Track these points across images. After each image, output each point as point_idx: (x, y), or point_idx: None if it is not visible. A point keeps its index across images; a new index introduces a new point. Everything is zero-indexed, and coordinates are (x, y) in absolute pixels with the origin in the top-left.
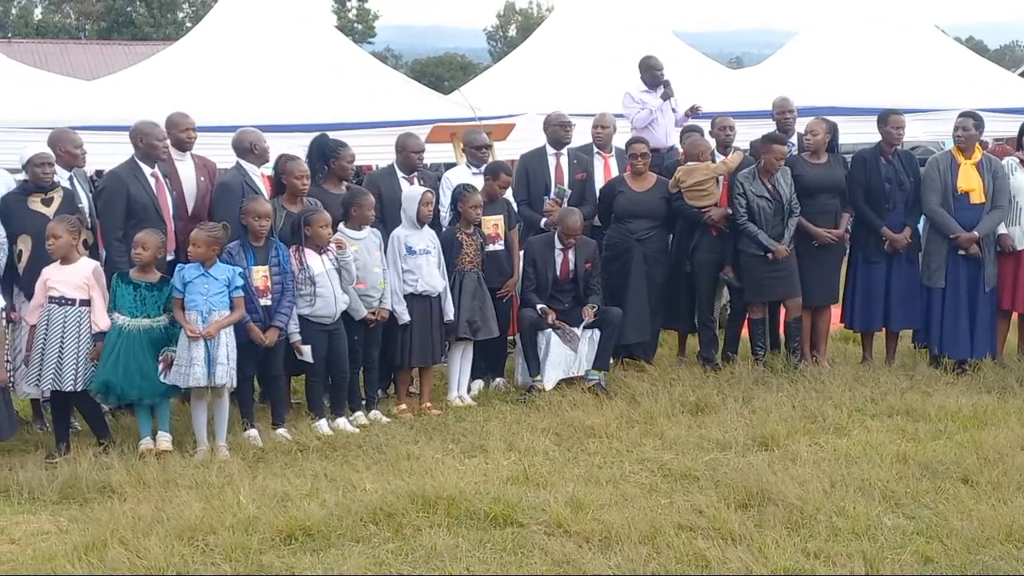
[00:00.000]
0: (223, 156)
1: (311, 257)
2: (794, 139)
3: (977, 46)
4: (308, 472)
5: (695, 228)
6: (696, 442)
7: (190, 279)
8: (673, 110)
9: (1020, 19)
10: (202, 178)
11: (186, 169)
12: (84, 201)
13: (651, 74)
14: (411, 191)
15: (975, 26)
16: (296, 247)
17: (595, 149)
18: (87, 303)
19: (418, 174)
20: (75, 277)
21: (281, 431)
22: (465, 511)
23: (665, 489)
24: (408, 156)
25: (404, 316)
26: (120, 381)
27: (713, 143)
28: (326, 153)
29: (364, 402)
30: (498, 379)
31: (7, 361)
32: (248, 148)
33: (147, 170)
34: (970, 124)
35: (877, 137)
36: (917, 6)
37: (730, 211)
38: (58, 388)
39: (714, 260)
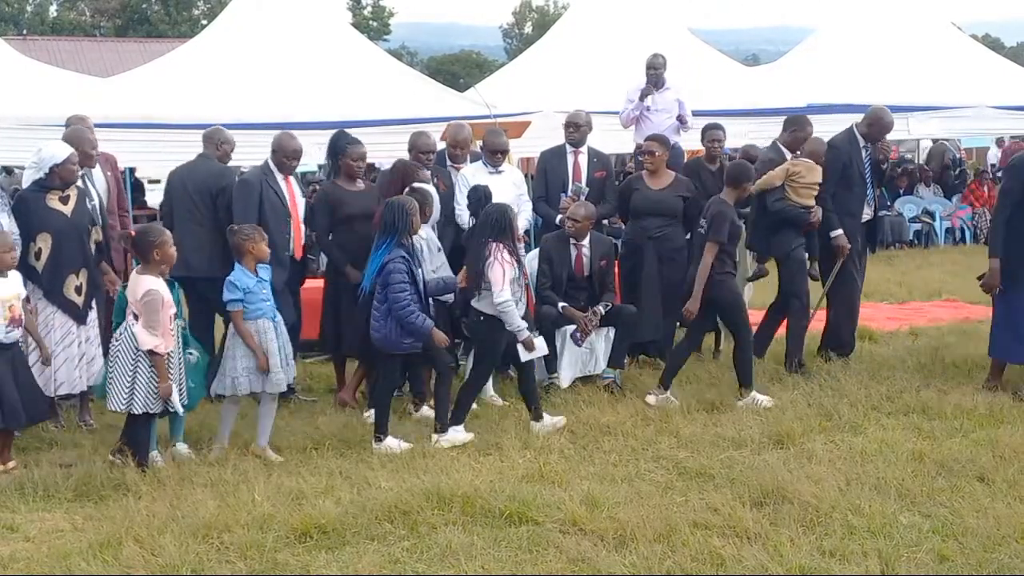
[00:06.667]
0: (238, 153)
1: None
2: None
3: (994, 43)
4: (323, 470)
5: (789, 226)
6: (711, 440)
7: (250, 287)
8: (681, 118)
9: None
10: (108, 172)
11: (96, 171)
12: (96, 199)
13: (646, 72)
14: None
15: (995, 23)
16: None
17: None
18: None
19: (433, 172)
20: (168, 291)
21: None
22: (480, 509)
23: (680, 487)
24: (417, 156)
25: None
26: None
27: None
28: (336, 150)
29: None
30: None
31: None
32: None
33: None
34: None
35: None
36: (935, 3)
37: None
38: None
39: (804, 257)
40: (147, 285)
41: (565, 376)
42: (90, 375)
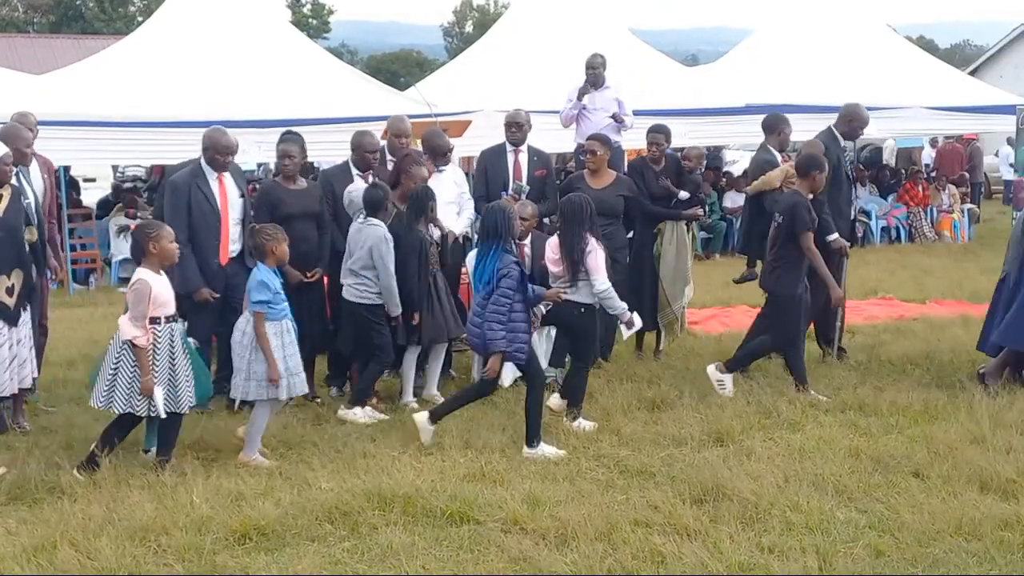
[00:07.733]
0: (176, 152)
1: None
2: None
3: (928, 45)
4: (263, 471)
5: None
6: (652, 438)
7: (277, 288)
8: (616, 117)
9: (972, 18)
10: (45, 176)
11: (34, 172)
12: (31, 197)
13: (585, 71)
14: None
15: (930, 25)
16: None
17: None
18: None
19: (374, 172)
20: (169, 289)
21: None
22: (421, 509)
23: (621, 485)
24: (362, 155)
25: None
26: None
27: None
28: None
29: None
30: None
31: None
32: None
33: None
34: None
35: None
36: (872, 5)
37: None
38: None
39: None
40: (138, 275)
41: (507, 375)
42: (21, 378)
